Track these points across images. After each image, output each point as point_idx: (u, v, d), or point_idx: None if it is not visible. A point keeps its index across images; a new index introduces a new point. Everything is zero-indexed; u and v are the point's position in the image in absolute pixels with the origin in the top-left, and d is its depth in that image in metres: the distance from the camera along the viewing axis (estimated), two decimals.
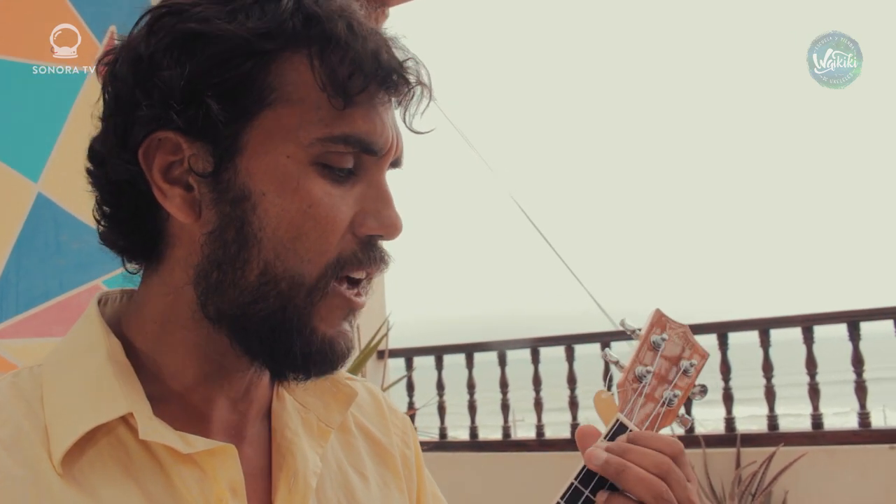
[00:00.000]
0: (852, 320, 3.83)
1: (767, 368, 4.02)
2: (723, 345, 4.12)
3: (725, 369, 4.12)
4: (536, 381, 4.73)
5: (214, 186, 0.60)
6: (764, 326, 4.04)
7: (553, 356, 4.79)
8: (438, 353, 5.08)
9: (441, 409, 5.03)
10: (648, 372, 0.75)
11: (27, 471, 0.56)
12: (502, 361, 4.86)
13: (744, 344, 4.18)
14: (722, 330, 4.14)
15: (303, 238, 0.59)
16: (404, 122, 0.65)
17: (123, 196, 0.63)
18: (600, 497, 0.67)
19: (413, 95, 0.64)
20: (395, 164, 0.66)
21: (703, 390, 0.78)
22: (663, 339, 0.77)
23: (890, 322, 3.76)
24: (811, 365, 3.92)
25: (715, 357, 4.19)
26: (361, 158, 0.62)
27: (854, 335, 3.82)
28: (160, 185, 0.61)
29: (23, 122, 2.65)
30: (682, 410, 0.77)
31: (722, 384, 4.11)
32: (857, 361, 3.82)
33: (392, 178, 0.66)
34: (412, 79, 0.63)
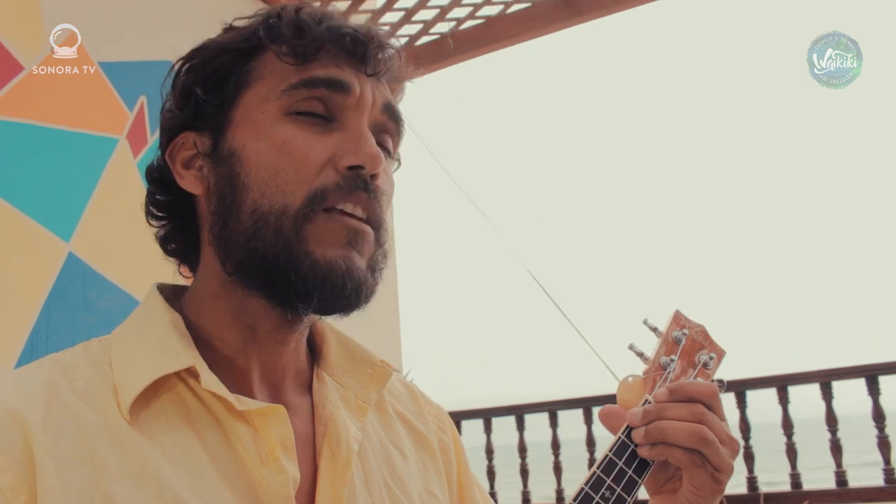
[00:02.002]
0: (871, 374, 3.83)
1: (787, 426, 4.00)
2: (741, 403, 4.10)
3: (745, 427, 4.09)
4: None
5: (214, 159, 0.71)
6: (782, 383, 4.03)
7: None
8: (456, 419, 5.07)
9: None
10: (672, 360, 0.81)
11: (100, 417, 0.62)
12: (520, 426, 4.84)
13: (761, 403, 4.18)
14: (739, 388, 4.13)
15: (281, 174, 0.67)
16: (364, 71, 0.71)
17: (165, 196, 0.75)
18: (642, 450, 0.73)
19: (374, 56, 0.71)
20: (386, 126, 0.73)
21: (722, 384, 0.84)
22: (684, 335, 0.83)
23: None
24: (832, 421, 3.90)
25: (734, 416, 4.18)
26: (332, 103, 0.69)
27: (873, 389, 3.81)
28: (179, 171, 0.73)
29: (56, 183, 2.76)
30: None
31: (742, 443, 4.08)
32: (879, 416, 3.80)
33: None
34: (363, 37, 0.71)
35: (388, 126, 0.73)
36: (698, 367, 0.83)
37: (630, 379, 0.80)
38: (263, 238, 0.66)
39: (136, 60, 3.13)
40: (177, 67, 0.74)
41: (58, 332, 2.68)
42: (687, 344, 0.83)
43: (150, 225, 0.76)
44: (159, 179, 0.75)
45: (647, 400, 0.77)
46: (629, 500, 0.73)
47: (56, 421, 0.60)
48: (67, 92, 2.85)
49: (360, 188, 0.68)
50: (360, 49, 0.71)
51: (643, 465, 0.75)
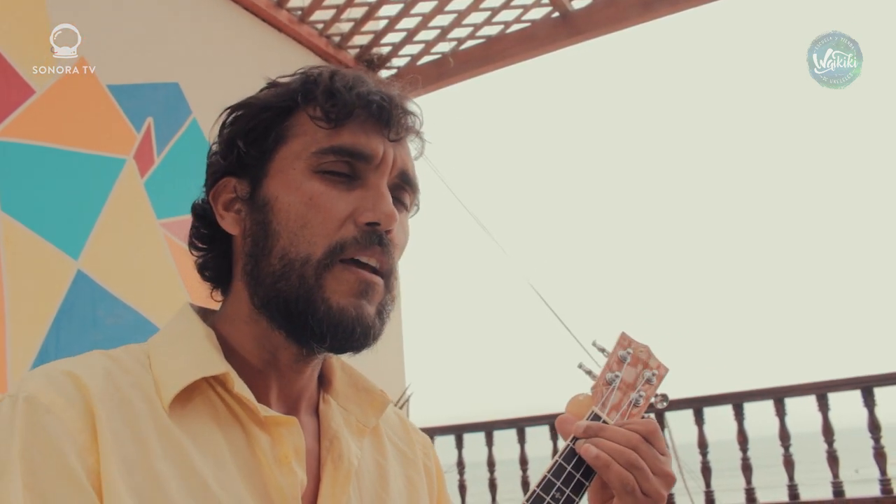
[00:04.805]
0: (866, 386, 3.87)
1: (785, 437, 4.04)
2: (738, 415, 4.15)
3: (743, 439, 4.14)
4: None
5: (251, 205, 0.79)
6: (778, 395, 4.08)
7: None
8: (458, 431, 5.12)
9: (462, 489, 5.03)
10: (617, 377, 0.89)
11: (146, 405, 0.71)
12: (521, 438, 4.89)
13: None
14: (737, 400, 4.18)
15: (308, 226, 0.75)
16: (388, 136, 0.79)
17: (207, 231, 0.84)
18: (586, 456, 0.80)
19: (397, 121, 0.79)
20: (403, 186, 0.80)
21: (664, 398, 0.92)
22: (628, 353, 0.91)
23: None
24: (828, 432, 3.94)
25: (732, 427, 4.23)
26: (356, 166, 0.77)
27: (869, 401, 3.85)
28: (221, 213, 0.81)
29: (66, 203, 2.85)
30: (645, 413, 0.90)
31: (740, 454, 4.12)
32: (874, 427, 3.84)
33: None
34: (388, 104, 0.78)
35: (405, 186, 0.81)
36: (642, 382, 0.90)
37: (581, 397, 0.88)
38: (289, 281, 0.74)
39: (143, 83, 3.22)
40: (224, 117, 0.83)
41: (67, 348, 2.75)
42: (631, 361, 0.91)
43: (192, 254, 0.85)
44: (202, 216, 0.84)
45: (592, 411, 0.85)
46: (577, 500, 0.80)
47: (112, 400, 0.69)
48: (76, 114, 2.95)
49: (376, 242, 0.76)
50: (385, 115, 0.78)
51: (590, 470, 0.81)
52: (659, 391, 0.91)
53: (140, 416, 0.70)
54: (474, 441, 5.05)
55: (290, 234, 0.75)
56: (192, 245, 0.84)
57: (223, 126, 0.83)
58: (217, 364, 0.74)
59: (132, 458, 0.66)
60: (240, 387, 0.73)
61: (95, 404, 0.67)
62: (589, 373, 0.90)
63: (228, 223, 0.80)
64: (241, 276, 0.79)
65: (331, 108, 0.77)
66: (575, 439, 0.83)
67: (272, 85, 0.83)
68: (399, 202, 0.80)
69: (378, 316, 0.77)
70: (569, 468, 0.81)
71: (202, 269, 0.84)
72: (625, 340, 0.92)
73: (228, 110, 0.83)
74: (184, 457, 0.69)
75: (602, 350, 0.92)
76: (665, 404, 0.91)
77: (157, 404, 0.71)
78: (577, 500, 0.80)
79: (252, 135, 0.79)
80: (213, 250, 0.83)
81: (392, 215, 0.76)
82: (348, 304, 0.74)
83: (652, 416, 0.89)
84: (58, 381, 0.68)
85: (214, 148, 0.83)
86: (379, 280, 0.77)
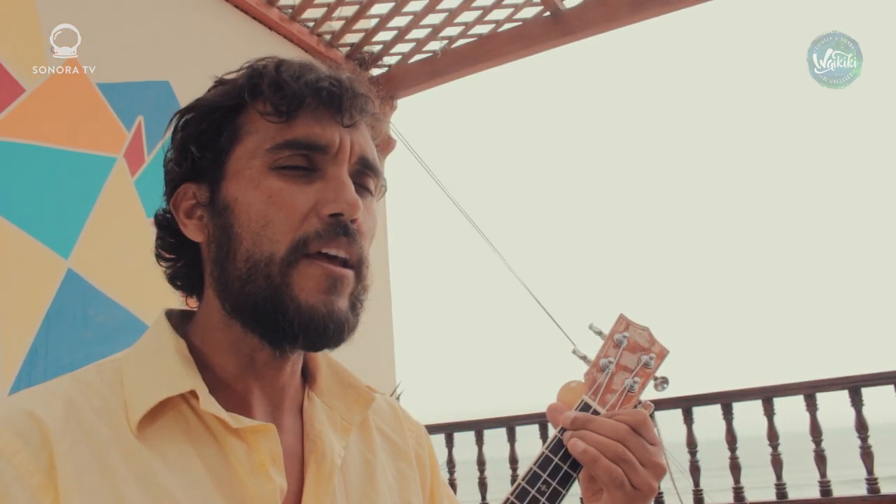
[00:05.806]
0: (853, 386, 3.90)
1: (773, 436, 4.06)
2: (727, 414, 4.16)
3: (731, 438, 4.15)
4: None
5: (212, 210, 0.77)
6: (767, 395, 4.10)
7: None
8: (448, 430, 5.12)
9: (452, 487, 5.02)
10: (611, 363, 0.86)
11: (112, 431, 0.69)
12: (511, 437, 4.90)
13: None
14: (726, 400, 4.19)
15: (270, 224, 0.73)
16: (342, 122, 0.76)
17: (173, 240, 0.81)
18: (573, 450, 0.78)
19: (349, 107, 0.77)
20: (365, 171, 0.78)
21: (665, 381, 0.88)
22: (625, 337, 0.88)
23: (891, 387, 3.81)
24: (816, 432, 3.96)
25: (720, 427, 4.24)
26: (314, 158, 0.75)
27: (856, 401, 3.87)
28: (183, 221, 0.79)
29: (56, 202, 2.84)
30: (642, 397, 0.87)
31: (728, 454, 4.14)
32: (862, 427, 3.86)
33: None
34: (338, 90, 0.76)
35: (366, 171, 0.79)
36: (638, 366, 0.87)
37: (573, 384, 0.86)
38: (255, 282, 0.73)
39: (134, 81, 3.22)
40: (174, 122, 0.80)
41: (57, 347, 2.74)
42: (628, 345, 0.88)
43: (160, 265, 0.83)
44: (166, 226, 0.81)
45: (583, 401, 0.83)
46: (564, 492, 0.78)
47: (73, 432, 0.67)
48: (67, 113, 2.94)
49: (341, 233, 0.74)
50: (337, 102, 0.76)
51: (577, 462, 0.79)
52: (659, 374, 0.88)
53: (106, 443, 0.68)
54: (464, 440, 5.05)
55: (252, 234, 0.73)
56: (158, 256, 0.82)
57: (175, 131, 0.80)
58: (185, 380, 0.73)
59: (98, 489, 0.65)
60: (206, 403, 0.72)
61: (54, 441, 0.66)
62: (584, 358, 0.88)
63: (192, 231, 0.79)
64: (210, 283, 0.78)
65: (280, 102, 0.74)
66: (563, 430, 0.81)
67: (219, 83, 0.81)
68: (362, 188, 0.79)
69: (351, 309, 0.75)
70: (556, 460, 0.79)
71: (173, 279, 0.83)
72: (622, 323, 0.89)
73: (178, 114, 0.80)
74: (153, 478, 0.68)
75: (599, 333, 0.89)
76: (665, 388, 0.88)
77: (124, 427, 0.70)
78: (563, 492, 0.78)
79: (204, 137, 0.77)
80: (181, 259, 0.81)
81: (355, 204, 0.74)
82: (317, 301, 0.73)
83: (651, 402, 0.87)
84: (15, 420, 0.67)
85: (169, 155, 0.81)
86: (348, 272, 0.75)
